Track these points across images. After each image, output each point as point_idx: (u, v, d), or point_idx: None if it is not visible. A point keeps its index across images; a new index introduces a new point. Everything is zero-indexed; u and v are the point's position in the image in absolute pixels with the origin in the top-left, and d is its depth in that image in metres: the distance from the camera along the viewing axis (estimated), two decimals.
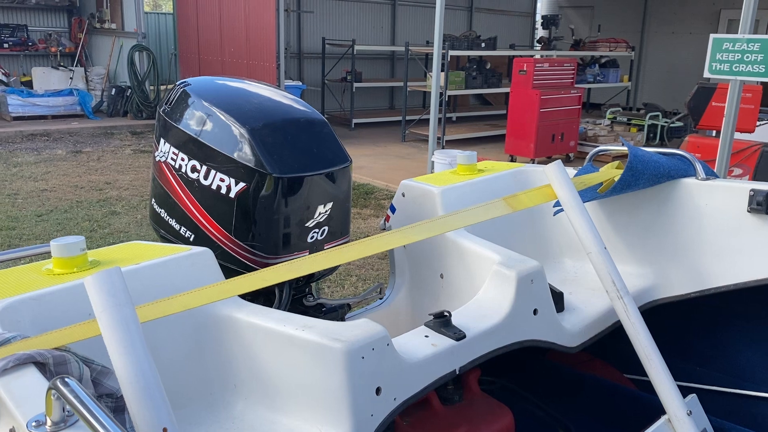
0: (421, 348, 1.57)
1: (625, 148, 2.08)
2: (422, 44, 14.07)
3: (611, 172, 2.12)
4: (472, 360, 1.65)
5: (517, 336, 1.76)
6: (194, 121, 2.01)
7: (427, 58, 13.53)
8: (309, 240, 2.01)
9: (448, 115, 12.23)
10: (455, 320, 1.68)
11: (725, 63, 5.39)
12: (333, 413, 1.40)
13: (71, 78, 13.43)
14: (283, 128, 1.99)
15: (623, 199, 2.23)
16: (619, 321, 1.99)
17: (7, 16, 14.15)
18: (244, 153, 1.90)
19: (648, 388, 2.19)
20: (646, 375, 1.83)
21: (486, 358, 1.68)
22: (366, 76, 13.76)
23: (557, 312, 1.91)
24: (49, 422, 0.92)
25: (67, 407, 0.92)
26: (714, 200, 2.04)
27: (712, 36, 5.41)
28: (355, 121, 12.64)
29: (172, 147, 2.06)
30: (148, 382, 1.03)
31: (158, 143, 2.13)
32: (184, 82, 2.18)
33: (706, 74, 5.52)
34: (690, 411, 1.73)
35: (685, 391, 1.76)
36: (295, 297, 2.15)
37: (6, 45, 13.81)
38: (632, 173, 2.02)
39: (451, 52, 10.82)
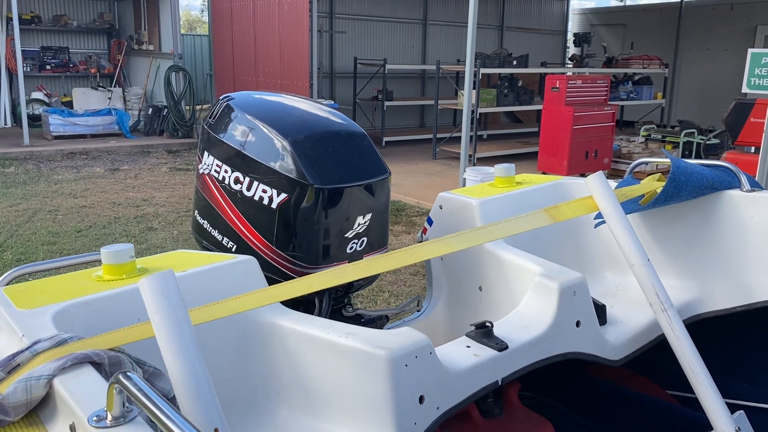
0: (464, 358, 1.56)
1: (668, 160, 2.06)
2: (453, 63, 14.13)
3: (653, 184, 2.10)
4: (515, 371, 1.63)
5: (560, 348, 1.74)
6: (238, 133, 2.06)
7: (458, 76, 13.57)
8: (348, 250, 2.02)
9: (479, 132, 12.23)
10: (497, 331, 1.67)
11: (764, 78, 5.31)
12: (376, 421, 1.40)
13: (110, 98, 13.79)
14: (324, 140, 2.02)
15: (666, 211, 2.20)
16: (662, 335, 1.96)
17: (49, 38, 14.65)
18: (286, 164, 1.93)
19: (691, 405, 2.14)
20: (688, 391, 1.79)
21: (528, 369, 1.66)
22: (397, 94, 13.85)
23: (600, 325, 1.89)
24: (109, 417, 0.94)
25: (127, 403, 0.94)
26: (760, 212, 2.01)
27: (750, 51, 5.34)
28: (386, 139, 12.71)
29: (215, 159, 2.10)
30: (200, 383, 1.05)
31: (202, 156, 2.18)
32: (228, 96, 2.24)
33: (744, 89, 5.45)
34: (738, 428, 1.69)
35: (731, 408, 1.72)
36: (334, 308, 2.17)
37: (48, 67, 14.28)
38: (675, 185, 2.00)
39: (483, 70, 10.84)
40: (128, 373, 0.90)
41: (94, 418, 0.95)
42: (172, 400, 1.15)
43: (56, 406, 1.08)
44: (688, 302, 2.13)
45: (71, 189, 8.61)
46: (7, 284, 1.64)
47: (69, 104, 13.62)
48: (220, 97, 2.25)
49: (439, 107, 11.70)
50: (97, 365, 1.13)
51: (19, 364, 1.17)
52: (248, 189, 2.00)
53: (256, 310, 1.58)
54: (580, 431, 2.30)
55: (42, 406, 1.10)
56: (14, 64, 12.44)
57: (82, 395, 1.03)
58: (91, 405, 0.99)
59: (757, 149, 5.73)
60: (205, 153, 2.15)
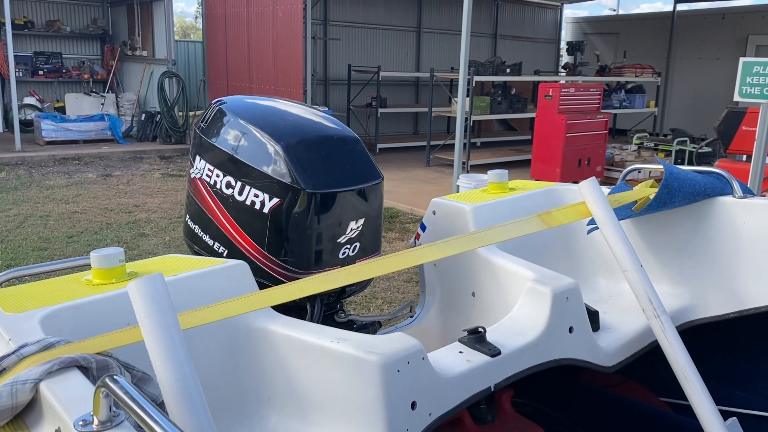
0: (456, 364, 1.55)
1: (661, 167, 2.07)
2: (447, 70, 14.18)
3: (646, 190, 2.10)
4: (508, 377, 1.62)
5: (553, 354, 1.73)
6: (230, 138, 2.05)
7: (452, 84, 13.61)
8: (341, 256, 2.01)
9: (472, 140, 12.25)
10: (490, 337, 1.66)
11: (756, 86, 5.34)
12: (368, 427, 1.39)
13: (102, 104, 13.76)
14: (317, 145, 2.01)
15: (658, 217, 2.20)
16: (655, 341, 1.95)
17: (42, 44, 14.62)
18: (279, 169, 1.92)
19: (684, 412, 2.13)
20: (682, 398, 1.79)
21: (521, 375, 1.65)
22: (391, 101, 13.88)
23: (593, 331, 1.88)
24: (95, 422, 0.92)
25: (113, 408, 0.93)
26: (752, 218, 2.01)
27: (742, 59, 5.38)
28: (379, 146, 12.72)
29: (207, 164, 2.09)
30: (189, 388, 1.04)
31: (194, 160, 2.16)
32: (220, 100, 2.22)
33: (736, 98, 5.48)
34: None
35: (724, 415, 1.72)
36: (326, 313, 2.15)
37: (41, 72, 14.24)
38: (668, 191, 2.00)
39: (476, 78, 10.87)
40: (115, 377, 0.89)
41: (80, 423, 0.93)
42: (160, 405, 1.13)
43: (42, 410, 1.06)
44: (681, 308, 2.13)
45: (63, 194, 8.56)
46: None
47: (61, 110, 13.58)
48: (213, 101, 2.24)
49: (433, 114, 11.73)
50: (85, 369, 1.11)
51: (4, 368, 1.15)
52: (240, 193, 1.98)
53: (246, 314, 1.57)
54: None
55: (28, 410, 1.09)
56: (6, 69, 12.38)
57: (68, 399, 1.01)
58: (77, 409, 0.97)
59: (749, 157, 5.76)
60: (197, 157, 2.14)
